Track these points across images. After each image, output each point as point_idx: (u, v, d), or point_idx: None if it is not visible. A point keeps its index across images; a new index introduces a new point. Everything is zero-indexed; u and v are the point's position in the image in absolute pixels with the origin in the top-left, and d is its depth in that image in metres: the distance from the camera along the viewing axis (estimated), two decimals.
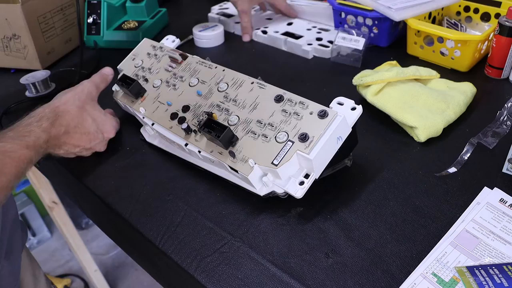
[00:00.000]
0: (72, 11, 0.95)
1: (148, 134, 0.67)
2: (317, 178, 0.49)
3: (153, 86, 0.65)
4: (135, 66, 0.70)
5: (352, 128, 0.50)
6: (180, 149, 0.61)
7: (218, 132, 0.51)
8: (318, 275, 0.45)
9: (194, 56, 0.66)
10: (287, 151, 0.48)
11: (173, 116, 0.60)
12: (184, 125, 0.57)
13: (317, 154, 0.47)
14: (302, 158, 0.48)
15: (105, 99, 0.76)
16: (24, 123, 0.54)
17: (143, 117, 0.64)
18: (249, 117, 0.54)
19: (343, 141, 0.50)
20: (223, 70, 0.61)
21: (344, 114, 0.49)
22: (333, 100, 0.51)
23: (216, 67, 0.62)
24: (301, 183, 0.49)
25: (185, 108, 0.60)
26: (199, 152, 0.56)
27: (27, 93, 0.81)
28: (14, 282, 0.63)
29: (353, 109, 0.50)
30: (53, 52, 0.92)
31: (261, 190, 0.52)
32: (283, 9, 1.02)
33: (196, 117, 0.58)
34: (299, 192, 0.48)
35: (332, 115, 0.48)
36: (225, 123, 0.54)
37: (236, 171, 0.51)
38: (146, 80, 0.67)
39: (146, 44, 0.73)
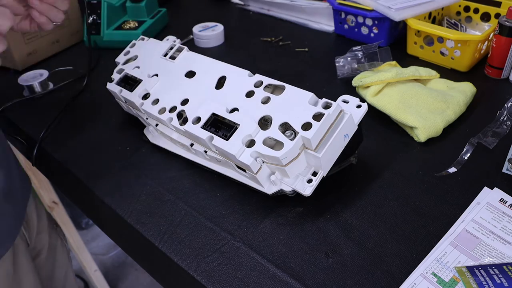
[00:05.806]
0: None
1: (152, 135, 0.66)
2: (324, 175, 0.49)
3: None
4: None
5: (358, 125, 0.50)
6: (185, 149, 0.61)
7: (225, 131, 0.50)
8: (318, 275, 0.45)
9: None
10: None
11: (178, 116, 0.57)
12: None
13: (325, 152, 0.47)
14: (310, 156, 0.48)
15: (106, 100, 0.76)
16: None
17: (147, 118, 0.64)
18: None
19: (350, 138, 0.50)
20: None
21: (351, 111, 0.49)
22: (338, 98, 0.51)
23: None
24: (309, 181, 0.49)
25: (184, 102, 0.57)
26: (205, 152, 0.56)
27: (24, 93, 0.81)
28: (16, 226, 0.65)
29: (358, 106, 0.50)
30: (35, 53, 0.91)
31: (269, 188, 0.52)
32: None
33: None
34: (307, 190, 0.48)
35: (338, 109, 0.47)
36: (230, 119, 0.51)
37: (244, 170, 0.51)
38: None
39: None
